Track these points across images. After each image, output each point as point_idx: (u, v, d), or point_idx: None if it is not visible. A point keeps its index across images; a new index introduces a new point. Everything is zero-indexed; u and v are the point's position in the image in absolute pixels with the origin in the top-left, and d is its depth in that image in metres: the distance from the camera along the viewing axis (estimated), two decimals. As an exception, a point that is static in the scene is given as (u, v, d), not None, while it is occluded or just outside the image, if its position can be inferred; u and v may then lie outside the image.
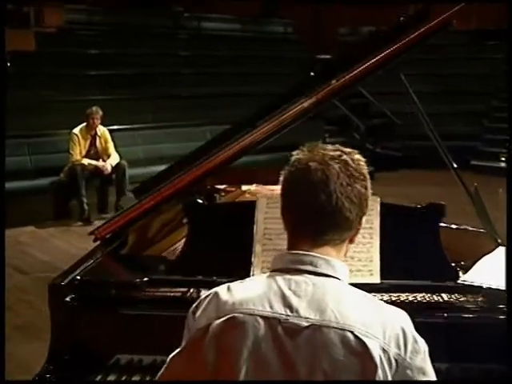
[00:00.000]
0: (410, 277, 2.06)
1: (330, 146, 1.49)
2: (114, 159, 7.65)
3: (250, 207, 2.20)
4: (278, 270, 1.45)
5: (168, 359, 1.39)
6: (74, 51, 10.48)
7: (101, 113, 7.53)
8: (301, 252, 1.43)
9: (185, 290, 2.09)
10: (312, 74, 2.88)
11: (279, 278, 1.40)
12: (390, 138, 11.75)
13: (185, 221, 2.36)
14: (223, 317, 1.33)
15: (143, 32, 11.88)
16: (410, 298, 2.03)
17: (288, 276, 1.40)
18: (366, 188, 1.45)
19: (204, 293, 1.44)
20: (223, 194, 3.25)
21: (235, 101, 10.52)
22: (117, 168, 7.61)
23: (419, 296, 2.04)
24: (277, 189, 3.35)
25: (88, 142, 7.60)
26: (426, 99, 10.44)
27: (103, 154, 7.70)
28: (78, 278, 2.05)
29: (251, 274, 2.08)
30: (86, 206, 7.40)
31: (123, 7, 12.08)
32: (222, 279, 1.98)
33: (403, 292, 2.03)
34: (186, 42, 12.41)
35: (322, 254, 1.40)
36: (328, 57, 13.78)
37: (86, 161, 7.46)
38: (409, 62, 13.20)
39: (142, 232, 2.68)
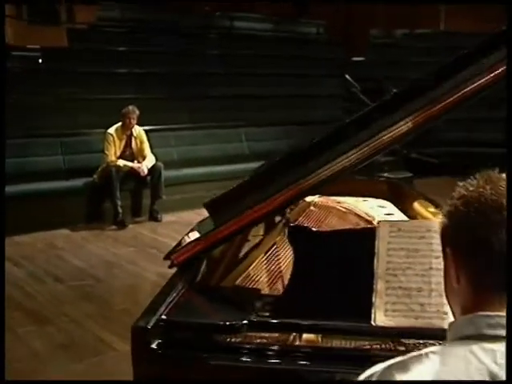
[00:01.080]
0: None
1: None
2: (150, 161, 7.28)
3: (367, 235, 1.80)
4: (467, 336, 1.07)
5: None
6: (106, 48, 10.13)
7: (137, 112, 7.16)
8: (499, 314, 1.06)
9: (293, 335, 1.70)
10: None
11: (476, 349, 1.02)
12: (425, 143, 11.27)
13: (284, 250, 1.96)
14: None
15: (175, 30, 11.55)
16: None
17: (486, 345, 1.02)
18: None
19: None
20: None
21: (270, 102, 10.14)
22: (152, 170, 7.24)
23: None
24: (343, 201, 3.01)
25: (123, 142, 7.24)
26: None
27: (138, 156, 7.34)
28: (164, 317, 1.65)
29: (372, 317, 1.69)
30: (119, 209, 7.04)
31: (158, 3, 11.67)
32: (337, 322, 1.61)
33: None
34: (217, 41, 12.04)
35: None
36: (362, 59, 13.41)
37: (121, 162, 7.09)
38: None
39: (216, 256, 2.29)
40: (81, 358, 3.76)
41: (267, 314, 1.77)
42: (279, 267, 2.33)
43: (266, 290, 2.14)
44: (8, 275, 5.28)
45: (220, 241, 2.08)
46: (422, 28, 15.33)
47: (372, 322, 1.70)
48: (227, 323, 1.64)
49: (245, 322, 1.66)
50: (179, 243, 2.37)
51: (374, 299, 1.72)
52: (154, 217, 7.30)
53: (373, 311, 1.71)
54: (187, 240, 2.39)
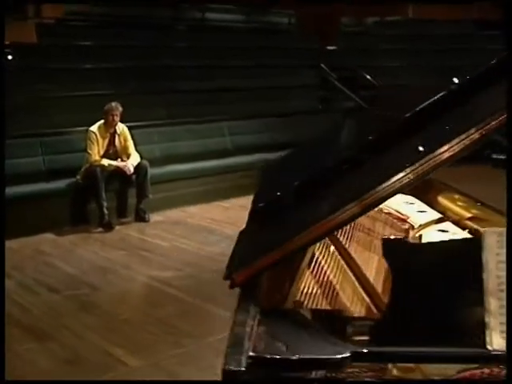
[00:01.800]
0: None
1: None
2: (135, 159, 6.97)
3: (468, 245, 1.58)
4: None
5: None
6: (75, 43, 9.73)
7: (121, 109, 6.83)
8: None
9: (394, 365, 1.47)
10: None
11: None
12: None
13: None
14: None
15: (145, 23, 11.21)
16: None
17: None
18: None
19: None
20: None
21: (246, 95, 9.87)
22: (138, 168, 6.93)
23: None
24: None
25: (107, 140, 6.90)
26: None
27: (122, 154, 7.01)
28: (255, 355, 1.40)
29: (487, 340, 1.47)
30: (105, 211, 6.71)
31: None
32: (451, 349, 1.39)
33: None
34: (188, 33, 11.73)
35: None
36: (334, 48, 13.21)
37: (105, 161, 6.76)
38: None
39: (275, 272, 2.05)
40: (91, 375, 3.47)
41: (364, 340, 1.54)
42: (328, 278, 2.12)
43: (325, 305, 1.92)
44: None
45: (286, 256, 1.82)
46: (392, 16, 15.25)
47: (488, 347, 1.47)
48: (332, 357, 1.40)
49: (348, 354, 1.42)
50: (232, 259, 2.10)
51: (487, 319, 1.50)
52: (140, 217, 6.99)
53: (487, 333, 1.48)
54: (239, 254, 2.12)
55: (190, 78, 9.71)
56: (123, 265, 5.46)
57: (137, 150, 7.12)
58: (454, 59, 12.05)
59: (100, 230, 6.67)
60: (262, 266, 1.83)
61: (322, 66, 12.03)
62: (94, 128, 6.81)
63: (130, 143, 7.04)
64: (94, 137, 6.76)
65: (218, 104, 9.25)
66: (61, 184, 6.82)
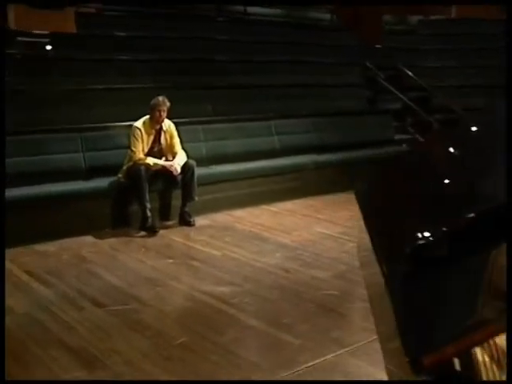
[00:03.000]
0: None
1: None
2: (182, 158, 6.39)
3: None
4: None
5: None
6: (117, 34, 9.22)
7: (168, 104, 6.26)
8: None
9: None
10: None
11: None
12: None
13: None
14: None
15: (187, 15, 10.68)
16: None
17: None
18: None
19: None
20: None
21: (291, 92, 9.26)
22: (184, 168, 6.36)
23: None
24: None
25: (152, 137, 6.33)
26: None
27: (168, 152, 6.44)
28: None
29: None
30: (149, 213, 6.15)
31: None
32: None
33: None
34: (228, 25, 11.18)
35: None
36: (378, 46, 12.56)
37: (150, 160, 6.19)
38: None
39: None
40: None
41: None
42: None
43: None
44: (36, 297, 4.40)
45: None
46: (435, 14, 14.61)
47: None
48: None
49: None
50: (406, 330, 1.47)
51: None
52: (185, 220, 6.42)
53: None
54: (414, 327, 1.50)
55: (233, 72, 9.13)
56: (172, 276, 4.89)
57: (183, 148, 6.54)
58: (498, 58, 11.33)
59: (142, 233, 6.11)
60: (461, 349, 1.22)
61: (368, 64, 11.38)
62: (139, 124, 6.25)
63: (177, 141, 6.47)
64: (139, 133, 6.20)
65: (265, 101, 8.63)
66: (101, 183, 6.26)
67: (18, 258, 5.26)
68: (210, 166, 7.25)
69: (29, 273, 4.92)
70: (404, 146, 9.78)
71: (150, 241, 5.92)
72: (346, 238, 6.05)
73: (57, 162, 6.29)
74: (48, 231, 5.80)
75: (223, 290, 4.60)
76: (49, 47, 8.51)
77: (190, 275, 4.93)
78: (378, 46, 12.51)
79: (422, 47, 12.84)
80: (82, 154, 6.49)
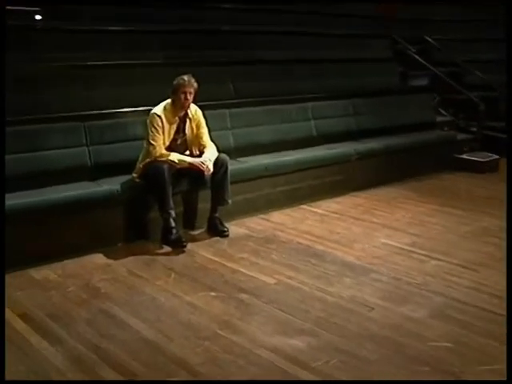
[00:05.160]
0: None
1: None
2: (212, 152, 5.01)
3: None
4: None
5: None
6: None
7: (195, 85, 4.85)
8: None
9: None
10: None
11: None
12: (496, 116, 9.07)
13: None
14: None
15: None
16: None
17: None
18: None
19: None
20: None
21: (321, 68, 7.85)
22: (215, 165, 4.98)
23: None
24: None
25: (174, 126, 4.93)
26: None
27: (193, 145, 5.06)
28: None
29: None
30: (173, 223, 4.79)
31: None
32: None
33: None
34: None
35: None
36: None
37: (175, 156, 4.81)
38: None
39: None
40: None
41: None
42: None
43: None
44: (37, 361, 3.04)
45: None
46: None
47: None
48: None
49: None
50: None
51: None
52: (218, 230, 5.07)
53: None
54: None
55: (257, 46, 7.67)
56: (221, 321, 3.55)
57: (211, 139, 5.16)
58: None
59: (166, 249, 4.76)
60: None
61: (395, 37, 9.99)
62: (159, 110, 4.84)
63: (205, 131, 5.09)
64: (160, 123, 4.80)
65: (294, 79, 7.22)
66: (112, 184, 4.85)
67: (10, 292, 3.88)
68: (239, 159, 5.86)
69: (25, 318, 3.55)
70: (446, 129, 8.47)
71: (179, 260, 4.56)
72: (421, 252, 4.76)
73: (54, 159, 4.89)
74: (46, 250, 4.43)
75: (296, 343, 3.26)
76: (38, 17, 7.00)
77: (245, 318, 3.58)
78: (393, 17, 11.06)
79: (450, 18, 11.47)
80: (86, 149, 5.08)
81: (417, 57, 9.54)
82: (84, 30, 6.55)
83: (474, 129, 8.70)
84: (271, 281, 4.14)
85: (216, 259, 4.56)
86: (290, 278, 4.20)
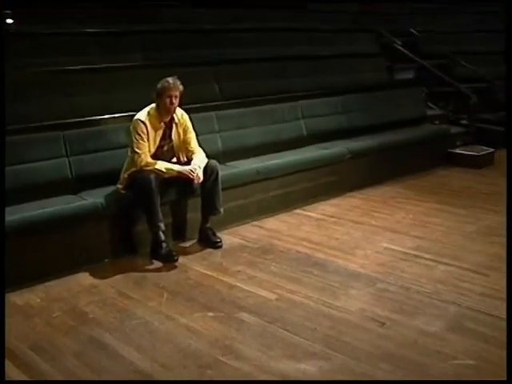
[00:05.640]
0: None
1: None
2: (201, 159, 4.69)
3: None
4: None
5: None
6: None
7: (181, 88, 4.53)
8: None
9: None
10: None
11: None
12: (488, 108, 8.83)
13: None
14: None
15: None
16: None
17: None
18: None
19: None
20: None
21: (309, 65, 7.57)
22: (205, 172, 4.66)
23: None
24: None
25: (160, 132, 4.61)
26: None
27: (180, 151, 4.74)
28: None
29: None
30: (163, 236, 4.47)
31: None
32: None
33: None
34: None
35: None
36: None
37: (161, 165, 4.49)
38: None
39: None
40: None
41: None
42: None
43: None
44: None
45: None
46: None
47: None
48: None
49: None
50: None
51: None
52: (210, 241, 4.76)
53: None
54: None
55: (242, 44, 7.35)
56: (222, 346, 3.24)
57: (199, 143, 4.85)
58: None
59: (156, 264, 4.44)
60: None
61: (382, 31, 9.75)
62: (143, 116, 4.52)
63: (193, 136, 4.78)
64: (144, 129, 4.48)
65: (284, 77, 6.92)
66: (95, 197, 4.51)
67: (-12, 321, 3.52)
68: (228, 164, 5.55)
69: (5, 351, 3.20)
70: (437, 123, 8.22)
71: (171, 277, 4.24)
72: (427, 256, 4.49)
73: (32, 172, 4.54)
74: (27, 270, 4.08)
75: (306, 368, 2.97)
76: (10, 21, 6.63)
77: (248, 342, 3.27)
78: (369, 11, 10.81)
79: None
80: (66, 160, 4.73)
81: (404, 50, 9.28)
82: (59, 32, 6.17)
83: (465, 122, 8.47)
84: (272, 296, 3.84)
85: (211, 274, 4.25)
86: (291, 292, 3.90)
